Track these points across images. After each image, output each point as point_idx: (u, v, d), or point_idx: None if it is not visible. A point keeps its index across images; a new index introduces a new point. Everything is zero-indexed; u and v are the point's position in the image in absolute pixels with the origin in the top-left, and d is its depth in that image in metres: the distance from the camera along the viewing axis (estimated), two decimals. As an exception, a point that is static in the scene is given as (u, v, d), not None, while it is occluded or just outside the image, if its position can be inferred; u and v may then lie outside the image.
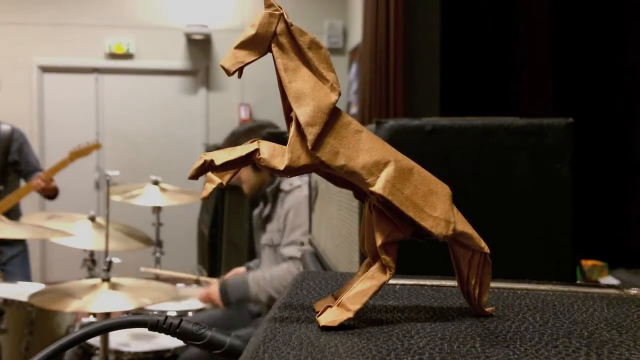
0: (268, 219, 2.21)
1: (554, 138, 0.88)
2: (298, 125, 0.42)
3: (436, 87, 3.24)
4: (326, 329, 0.42)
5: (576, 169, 0.88)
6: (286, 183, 2.15)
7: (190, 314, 2.43)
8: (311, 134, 0.41)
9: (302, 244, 1.99)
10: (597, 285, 0.60)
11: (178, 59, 5.70)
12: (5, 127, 2.96)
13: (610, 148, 2.58)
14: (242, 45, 0.42)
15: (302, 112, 0.41)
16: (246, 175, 2.20)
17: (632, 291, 0.56)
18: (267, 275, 2.06)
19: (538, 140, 0.89)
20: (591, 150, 2.42)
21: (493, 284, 0.55)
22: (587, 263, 2.18)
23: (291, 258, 2.03)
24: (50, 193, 2.96)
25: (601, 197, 2.49)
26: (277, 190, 2.17)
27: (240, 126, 2.40)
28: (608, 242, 2.40)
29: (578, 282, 0.88)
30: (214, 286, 2.20)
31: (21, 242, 2.95)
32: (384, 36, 3.35)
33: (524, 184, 0.89)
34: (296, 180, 2.14)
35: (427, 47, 3.31)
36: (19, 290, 2.42)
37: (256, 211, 2.39)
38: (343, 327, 0.42)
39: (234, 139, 2.23)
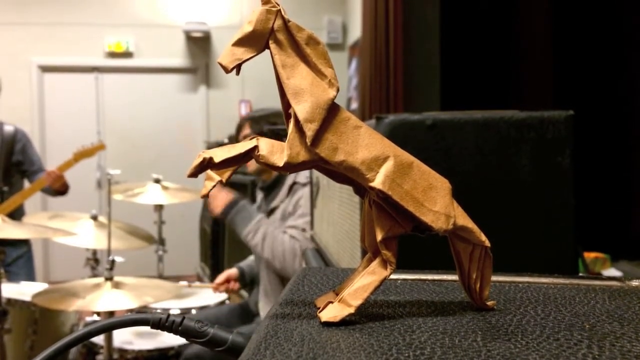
0: (274, 210, 2.18)
1: (554, 131, 0.88)
2: (297, 121, 0.42)
3: (436, 82, 3.24)
4: (328, 324, 0.42)
5: (577, 161, 0.88)
6: (302, 175, 2.12)
7: (193, 311, 2.44)
8: (310, 130, 0.41)
9: (304, 230, 1.99)
10: (598, 277, 0.60)
11: (177, 56, 5.70)
12: (9, 128, 2.96)
13: (611, 140, 2.58)
14: (240, 42, 0.41)
15: (301, 109, 0.41)
16: None
17: (634, 283, 0.56)
18: (269, 230, 2.03)
19: (539, 133, 0.88)
20: (592, 143, 2.41)
21: (494, 278, 0.55)
22: (590, 255, 2.18)
23: (292, 237, 2.01)
24: (62, 188, 2.96)
25: (603, 189, 2.49)
26: (293, 183, 2.14)
27: (262, 109, 2.37)
28: (610, 234, 2.40)
29: (580, 274, 0.88)
30: (228, 195, 2.12)
31: (25, 243, 2.96)
32: (383, 31, 3.34)
33: (525, 177, 0.89)
34: None
35: (426, 41, 3.30)
36: (23, 290, 2.43)
37: (254, 206, 2.38)
38: (344, 322, 0.42)
39: (265, 120, 2.21)
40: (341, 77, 5.25)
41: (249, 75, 5.38)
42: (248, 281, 2.44)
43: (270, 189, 2.23)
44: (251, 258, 2.51)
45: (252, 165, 2.21)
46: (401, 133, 0.88)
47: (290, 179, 2.14)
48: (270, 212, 2.19)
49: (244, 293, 2.74)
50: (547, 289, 0.54)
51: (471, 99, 3.01)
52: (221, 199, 2.12)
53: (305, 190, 2.07)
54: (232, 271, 2.45)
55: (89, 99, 5.70)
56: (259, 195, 2.34)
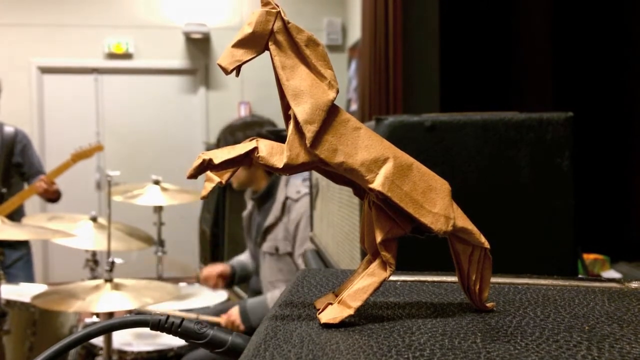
0: (271, 227, 2.15)
1: (554, 132, 0.88)
2: (296, 123, 0.41)
3: (436, 83, 3.24)
4: (327, 326, 0.42)
5: (576, 162, 0.88)
6: (293, 191, 2.11)
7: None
8: (310, 131, 0.41)
9: None
10: (598, 279, 0.60)
11: (177, 58, 5.70)
12: (9, 129, 2.96)
13: (611, 141, 2.58)
14: (239, 44, 0.41)
15: (300, 110, 0.41)
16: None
17: (633, 284, 0.56)
18: (276, 295, 2.02)
19: (538, 134, 0.88)
20: (592, 144, 2.41)
21: (494, 279, 0.55)
22: (589, 257, 2.18)
23: None
24: (52, 196, 2.95)
25: (602, 190, 2.49)
26: (286, 199, 2.12)
27: (237, 119, 2.38)
28: (610, 235, 2.40)
29: (579, 276, 0.88)
30: (235, 310, 2.09)
31: (25, 245, 2.95)
32: (383, 32, 3.35)
33: (525, 178, 0.89)
34: (303, 188, 2.11)
35: (426, 42, 3.30)
36: (22, 291, 2.42)
37: (245, 213, 2.37)
38: (344, 324, 0.42)
39: (230, 132, 2.22)
40: (341, 79, 5.26)
41: (249, 77, 5.38)
42: (236, 282, 2.43)
43: (264, 200, 2.22)
44: (243, 257, 2.50)
45: (236, 181, 2.22)
46: (401, 134, 0.88)
47: (282, 195, 2.14)
48: (266, 231, 2.16)
49: (243, 294, 2.74)
50: (546, 290, 0.54)
51: (471, 100, 3.01)
52: (235, 320, 2.07)
53: (303, 209, 2.06)
54: (226, 270, 2.42)
55: (89, 100, 5.70)
56: (249, 204, 2.33)
